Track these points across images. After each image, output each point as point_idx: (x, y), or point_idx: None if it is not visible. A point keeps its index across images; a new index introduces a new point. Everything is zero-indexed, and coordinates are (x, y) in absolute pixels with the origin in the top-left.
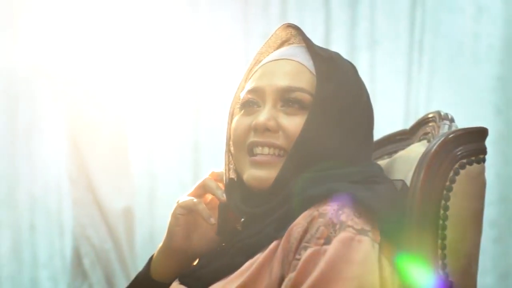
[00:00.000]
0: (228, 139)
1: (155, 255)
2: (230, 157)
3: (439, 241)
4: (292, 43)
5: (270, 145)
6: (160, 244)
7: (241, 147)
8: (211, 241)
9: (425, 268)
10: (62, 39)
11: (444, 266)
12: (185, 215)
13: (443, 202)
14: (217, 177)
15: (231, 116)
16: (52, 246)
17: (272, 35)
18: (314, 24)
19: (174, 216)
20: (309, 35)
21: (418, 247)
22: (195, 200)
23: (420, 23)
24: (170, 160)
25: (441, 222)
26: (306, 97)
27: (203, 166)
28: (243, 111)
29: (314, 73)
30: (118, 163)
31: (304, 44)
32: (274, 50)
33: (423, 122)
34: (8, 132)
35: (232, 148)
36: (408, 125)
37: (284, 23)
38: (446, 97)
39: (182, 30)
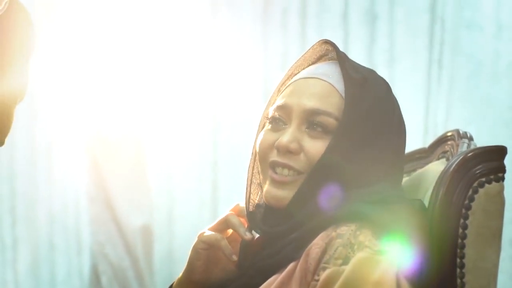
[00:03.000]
0: (255, 153)
1: (174, 285)
2: (256, 170)
3: (458, 260)
4: (329, 58)
5: (289, 168)
6: (180, 275)
7: (264, 162)
8: (230, 274)
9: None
10: (82, 55)
11: (463, 285)
12: (207, 250)
13: (462, 220)
14: (239, 213)
15: (261, 128)
16: (70, 264)
17: (309, 49)
18: (333, 41)
19: (195, 250)
20: None
21: (437, 266)
22: (218, 236)
23: (439, 40)
24: (188, 178)
25: (459, 240)
26: (331, 121)
27: (222, 184)
28: (270, 126)
29: (344, 97)
30: (137, 181)
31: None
32: (310, 64)
33: (441, 140)
34: (27, 149)
35: (257, 160)
36: (426, 142)
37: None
38: (465, 115)
39: (200, 48)
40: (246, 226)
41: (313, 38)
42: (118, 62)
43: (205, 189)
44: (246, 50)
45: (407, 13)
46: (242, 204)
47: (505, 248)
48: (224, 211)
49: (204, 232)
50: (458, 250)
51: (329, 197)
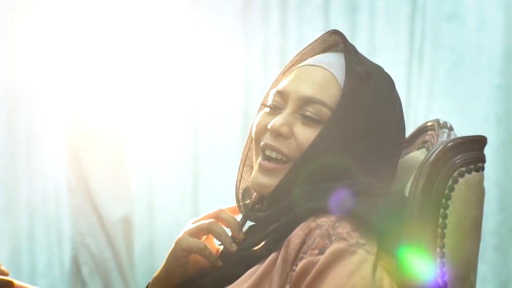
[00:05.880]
0: (251, 134)
1: (150, 284)
2: (251, 152)
3: (438, 250)
4: (339, 50)
5: (278, 151)
6: (157, 273)
7: (257, 144)
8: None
9: (425, 278)
10: (62, 48)
11: (443, 275)
12: (187, 256)
13: (441, 210)
14: (223, 221)
15: (261, 110)
16: (51, 254)
17: (317, 39)
18: (314, 34)
19: (175, 256)
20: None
21: (417, 257)
22: (201, 245)
23: (419, 33)
24: (169, 169)
25: (439, 230)
26: (325, 111)
27: (202, 176)
28: (268, 109)
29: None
30: (117, 172)
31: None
32: (318, 53)
33: (422, 130)
34: (7, 141)
35: (252, 140)
36: (407, 134)
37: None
38: (446, 106)
39: (181, 41)
40: (230, 235)
41: (294, 30)
42: (99, 56)
43: (186, 181)
44: (227, 43)
45: (388, 5)
46: (225, 210)
47: (486, 238)
48: (204, 205)
49: (183, 238)
50: (438, 240)
51: (314, 188)
